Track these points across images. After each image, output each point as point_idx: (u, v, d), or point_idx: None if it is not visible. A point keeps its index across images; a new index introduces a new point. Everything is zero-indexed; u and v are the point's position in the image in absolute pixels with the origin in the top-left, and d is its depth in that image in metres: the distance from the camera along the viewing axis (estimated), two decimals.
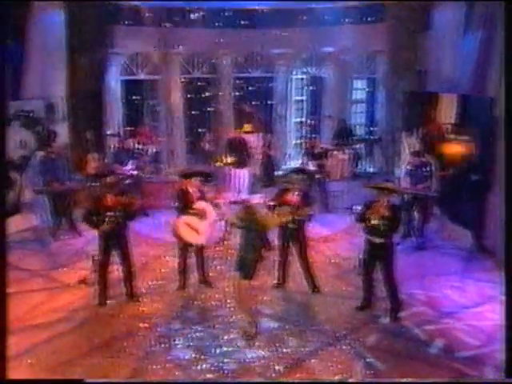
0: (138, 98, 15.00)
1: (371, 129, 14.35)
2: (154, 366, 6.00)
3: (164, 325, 6.92)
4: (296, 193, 7.76)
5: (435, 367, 5.96)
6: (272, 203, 7.79)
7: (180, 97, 15.13)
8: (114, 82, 14.14)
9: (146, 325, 6.91)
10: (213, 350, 6.32)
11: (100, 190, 7.61)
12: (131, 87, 14.87)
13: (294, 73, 15.49)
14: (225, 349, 6.35)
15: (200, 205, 7.75)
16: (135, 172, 11.35)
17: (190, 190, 7.81)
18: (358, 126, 14.68)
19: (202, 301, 7.61)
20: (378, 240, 6.97)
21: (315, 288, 7.91)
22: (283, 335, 6.65)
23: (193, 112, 15.36)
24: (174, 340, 6.55)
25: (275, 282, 8.08)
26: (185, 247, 7.91)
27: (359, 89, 15.29)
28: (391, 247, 7.07)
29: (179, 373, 5.90)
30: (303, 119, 15.49)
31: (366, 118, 14.84)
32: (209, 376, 5.85)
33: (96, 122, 12.64)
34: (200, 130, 14.75)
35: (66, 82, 11.80)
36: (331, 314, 7.22)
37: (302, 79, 15.66)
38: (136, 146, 12.11)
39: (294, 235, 7.81)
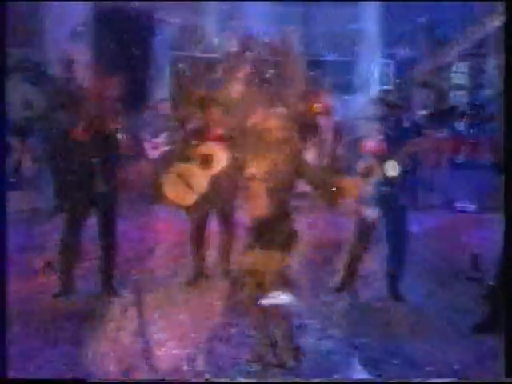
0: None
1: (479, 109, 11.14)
2: None
3: (147, 329, 4.21)
4: (376, 138, 4.94)
5: None
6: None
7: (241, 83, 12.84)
8: (162, 54, 12.00)
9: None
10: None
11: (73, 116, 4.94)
12: (182, 65, 12.69)
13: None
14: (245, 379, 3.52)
15: (209, 147, 4.83)
16: (165, 148, 8.77)
17: (210, 123, 5.05)
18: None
19: (215, 300, 4.83)
20: None
21: (398, 295, 4.95)
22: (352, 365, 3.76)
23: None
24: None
25: (337, 283, 5.17)
26: (199, 216, 5.15)
27: (459, 72, 12.30)
28: None
29: None
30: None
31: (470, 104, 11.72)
32: None
33: (132, 93, 10.38)
34: None
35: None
36: (432, 336, 4.24)
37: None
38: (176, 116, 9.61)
39: (387, 204, 4.87)
